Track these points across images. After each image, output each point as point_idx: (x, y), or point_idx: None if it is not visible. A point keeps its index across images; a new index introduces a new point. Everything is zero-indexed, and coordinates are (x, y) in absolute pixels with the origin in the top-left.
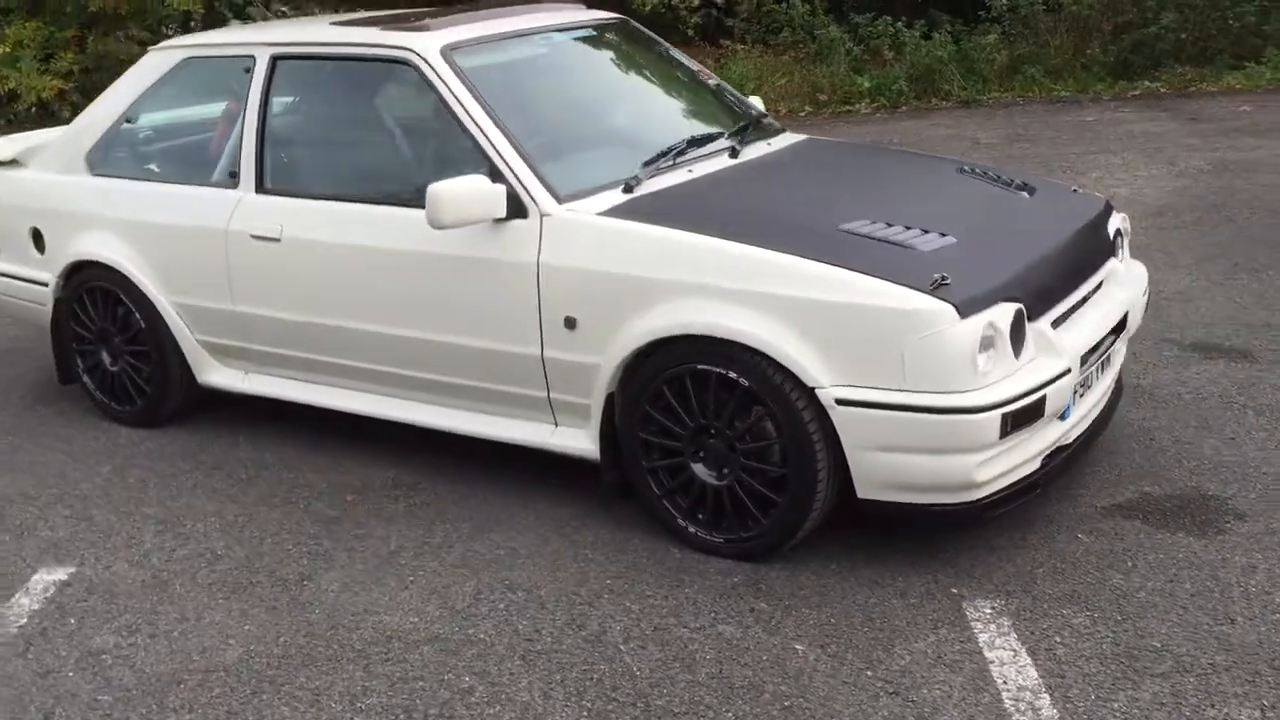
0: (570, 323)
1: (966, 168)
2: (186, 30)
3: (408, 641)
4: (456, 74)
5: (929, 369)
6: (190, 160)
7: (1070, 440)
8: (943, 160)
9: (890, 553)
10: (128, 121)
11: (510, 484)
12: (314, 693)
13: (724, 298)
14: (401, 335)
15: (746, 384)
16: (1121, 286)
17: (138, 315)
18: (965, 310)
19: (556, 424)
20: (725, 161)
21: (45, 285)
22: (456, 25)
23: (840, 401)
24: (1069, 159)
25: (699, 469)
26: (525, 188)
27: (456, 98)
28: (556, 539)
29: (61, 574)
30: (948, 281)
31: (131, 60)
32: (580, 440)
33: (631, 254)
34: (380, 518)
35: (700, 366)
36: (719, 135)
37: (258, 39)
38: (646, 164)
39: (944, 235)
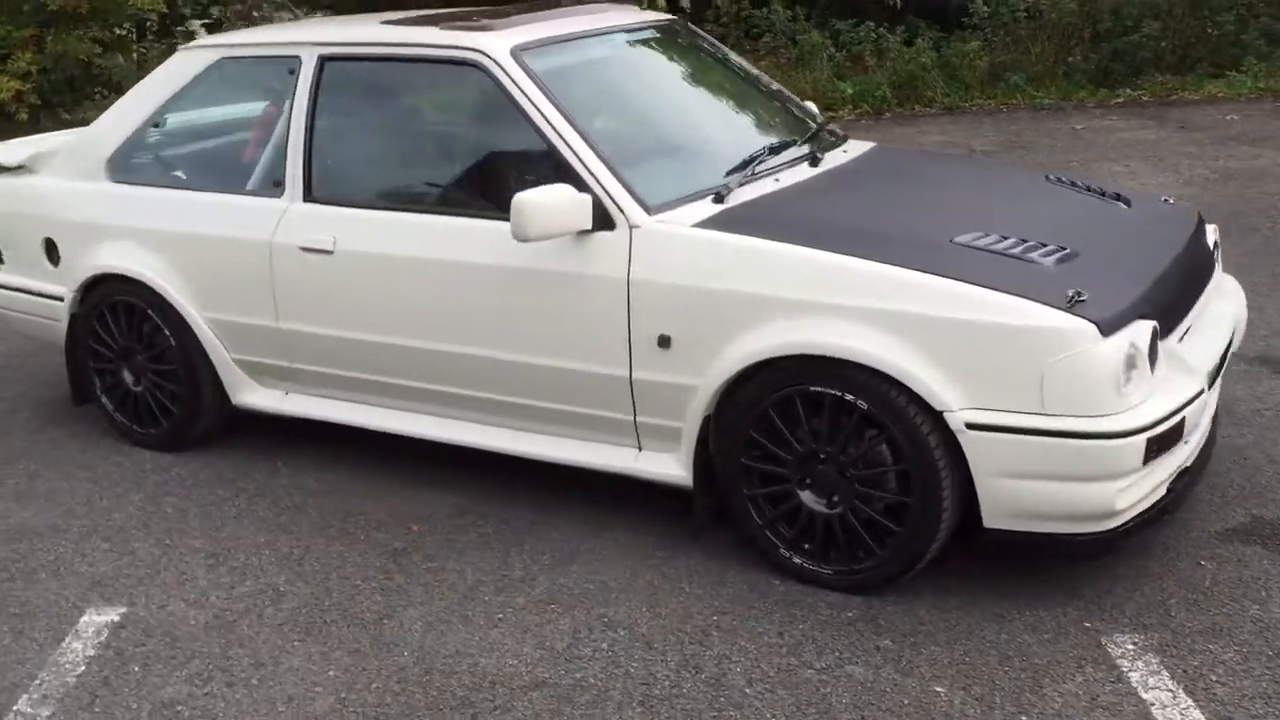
0: (664, 341)
1: (1053, 177)
2: (142, 31)
3: (512, 687)
4: (529, 76)
5: (1069, 391)
6: (222, 167)
7: (1190, 462)
8: (1023, 169)
9: (1009, 583)
10: (155, 126)
11: (583, 511)
12: None
13: (843, 316)
14: (470, 354)
15: (865, 407)
16: (1228, 300)
17: (166, 332)
18: (1107, 329)
19: (640, 448)
20: (808, 170)
21: (59, 300)
22: (522, 25)
23: (971, 425)
24: (1073, 167)
25: (806, 496)
26: (612, 198)
27: (531, 101)
28: (646, 570)
29: (112, 614)
30: (1084, 298)
31: (91, 61)
32: (668, 466)
33: (736, 269)
34: (451, 549)
35: (814, 388)
36: (795, 143)
37: (303, 39)
38: (731, 173)
39: (1063, 249)
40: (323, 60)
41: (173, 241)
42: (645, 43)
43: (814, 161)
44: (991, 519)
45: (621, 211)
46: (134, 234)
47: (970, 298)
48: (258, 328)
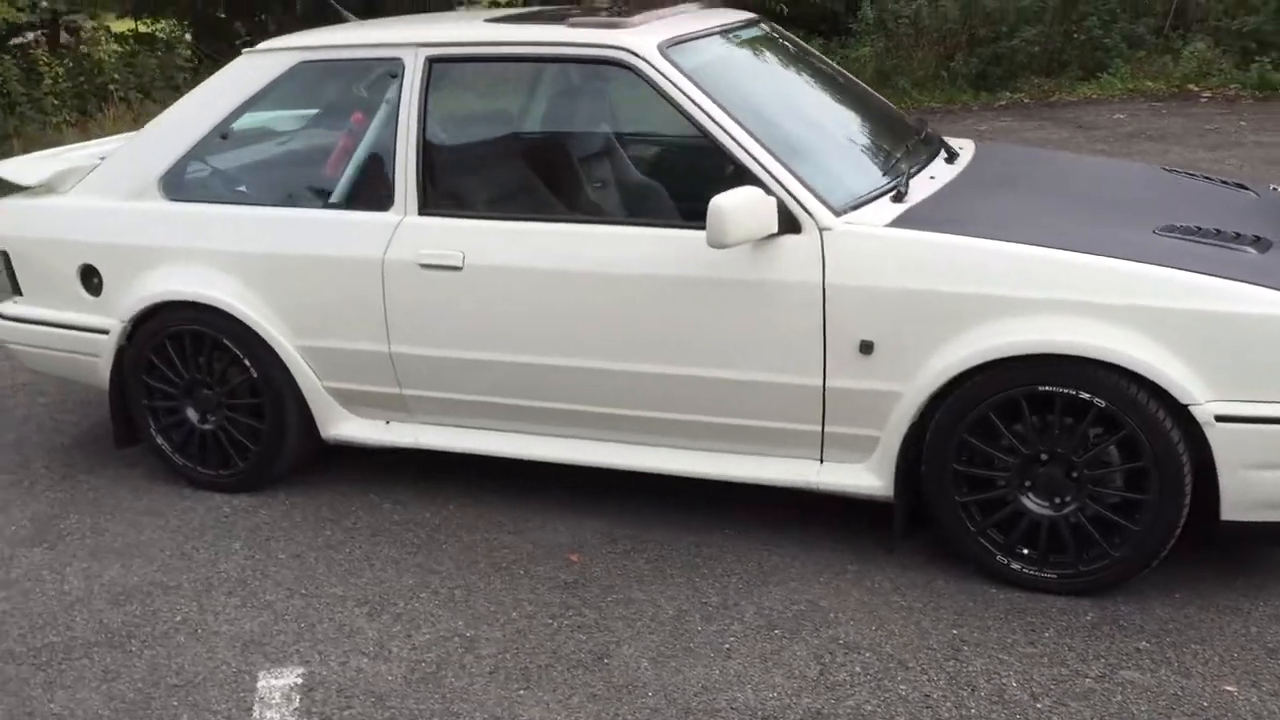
0: (866, 348)
1: (1165, 168)
2: None
3: None
4: (684, 74)
5: None
6: (297, 180)
7: None
8: (1133, 161)
9: (1218, 574)
10: (221, 137)
11: (741, 527)
12: None
13: (1079, 312)
14: (631, 371)
15: (1104, 404)
16: None
17: (247, 362)
18: None
19: (822, 460)
20: (950, 167)
21: (102, 333)
22: (656, 22)
23: (1220, 418)
24: None
25: (1028, 500)
26: (797, 200)
27: (693, 100)
28: (850, 587)
29: (291, 677)
30: None
31: None
32: (859, 477)
33: (951, 269)
34: (627, 578)
35: (1043, 388)
36: (919, 139)
37: (404, 39)
38: (888, 171)
39: (1256, 237)
40: (430, 62)
41: (254, 263)
42: (755, 42)
43: (950, 159)
44: (1233, 511)
45: (809, 214)
46: (204, 257)
47: (1208, 289)
48: (362, 353)
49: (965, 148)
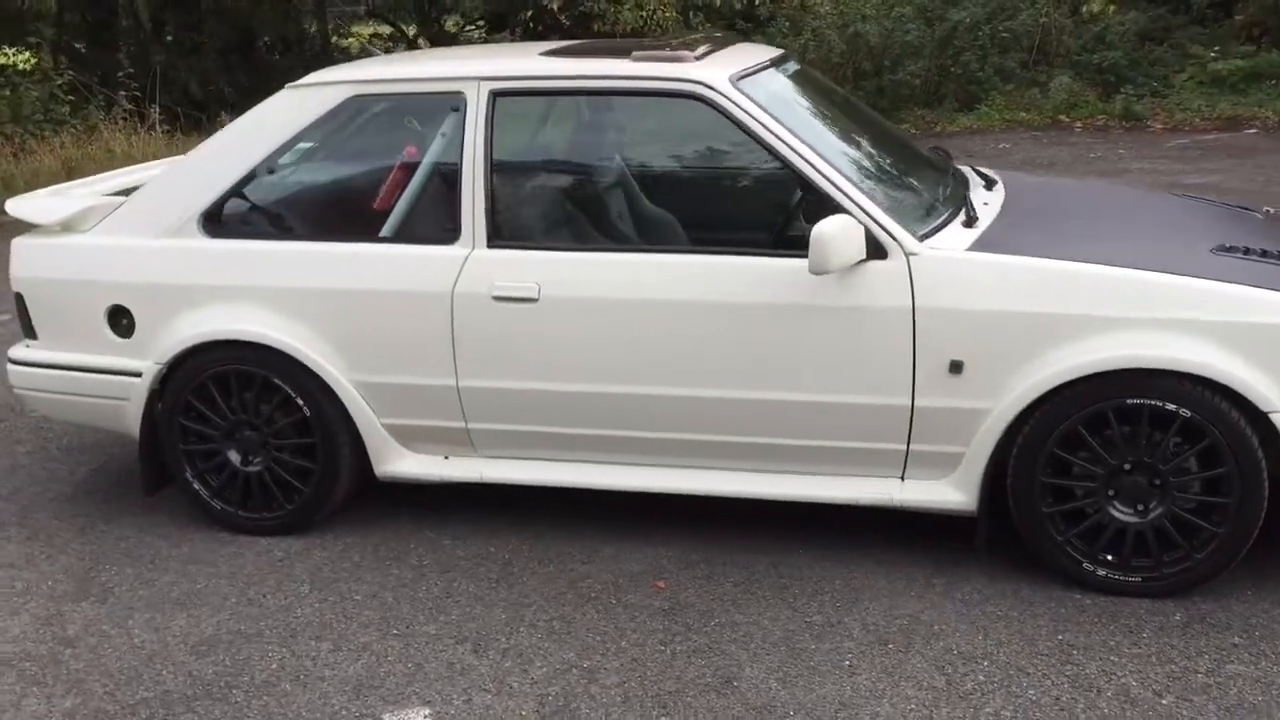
0: (956, 367)
1: (1178, 194)
2: None
3: None
4: (758, 105)
5: None
6: (342, 215)
7: None
8: (1151, 189)
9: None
10: (269, 173)
11: (812, 547)
12: None
13: (1163, 328)
14: (717, 397)
15: (1189, 415)
16: None
17: (300, 401)
18: None
19: (904, 478)
20: (994, 194)
21: (133, 375)
22: (717, 55)
23: None
24: None
25: (1114, 508)
26: (882, 226)
27: (771, 131)
28: (942, 600)
29: (417, 718)
30: None
31: None
32: (942, 493)
33: (1034, 290)
34: (720, 602)
35: (1131, 401)
36: (955, 168)
37: (464, 72)
38: (946, 197)
39: None
40: (494, 95)
41: (308, 299)
42: (795, 76)
43: (989, 185)
44: None
45: (895, 240)
46: (252, 294)
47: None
48: (427, 388)
49: (997, 174)
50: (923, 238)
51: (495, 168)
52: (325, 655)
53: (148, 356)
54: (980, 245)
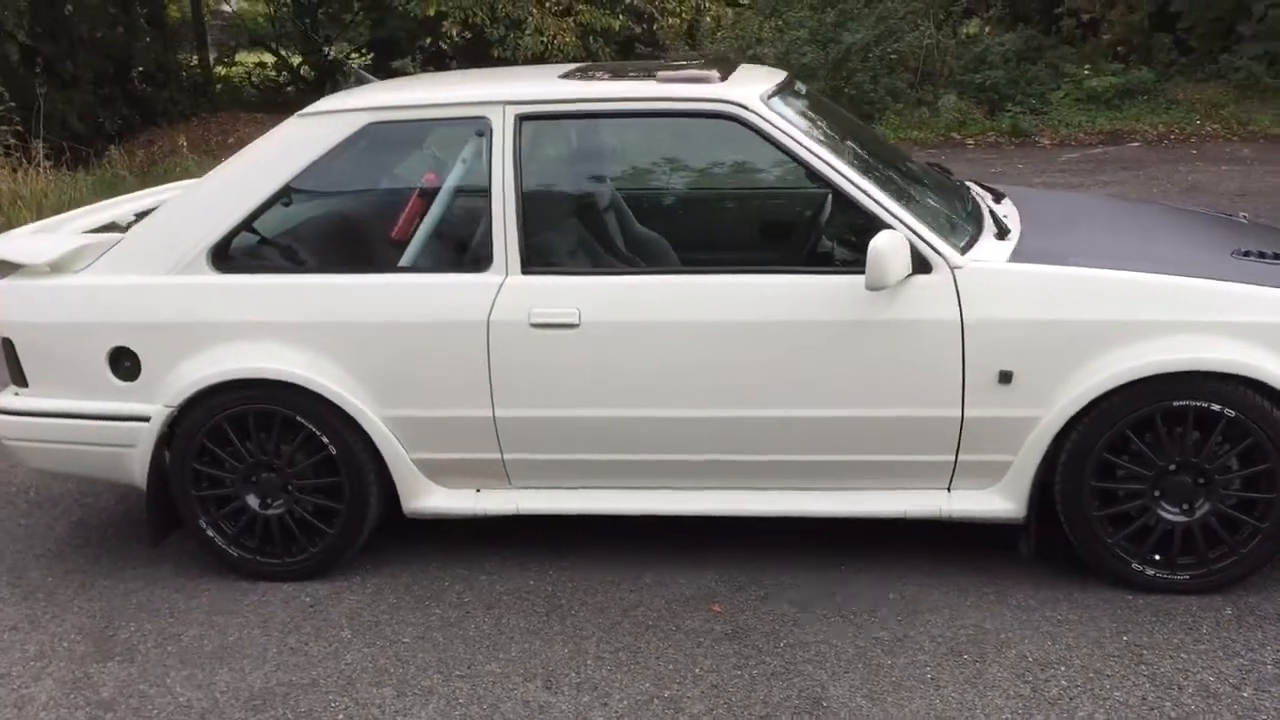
0: (1005, 377)
1: (1167, 204)
2: None
3: None
4: (792, 124)
5: None
6: (361, 246)
7: None
8: (1144, 200)
9: None
10: (283, 205)
11: (855, 563)
12: None
13: (1207, 331)
14: (766, 417)
15: (1233, 415)
16: None
17: (325, 439)
18: None
19: (950, 489)
20: (1007, 207)
21: (140, 420)
22: (739, 75)
23: None
24: None
25: (1162, 509)
26: (926, 241)
27: (810, 150)
28: (999, 608)
29: None
30: None
31: None
32: (990, 502)
33: (1079, 299)
34: (782, 622)
35: (1177, 403)
36: (959, 182)
37: (487, 97)
38: (968, 211)
39: None
40: (520, 119)
41: (331, 334)
42: (805, 97)
43: (998, 199)
44: None
45: (938, 254)
46: (270, 330)
47: None
48: (461, 420)
49: (999, 189)
50: (965, 251)
51: (526, 193)
52: (391, 701)
53: (156, 400)
54: (1018, 257)
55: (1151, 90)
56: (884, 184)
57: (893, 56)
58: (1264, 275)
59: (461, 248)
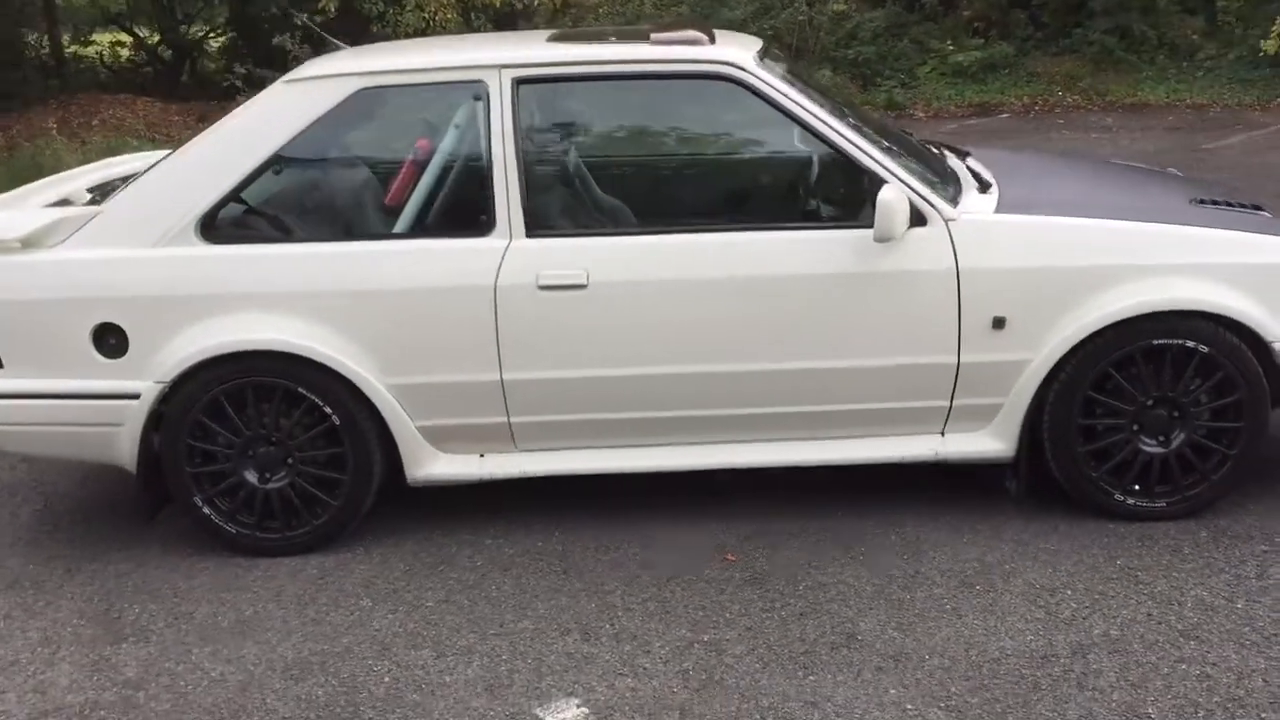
0: (999, 323)
1: (1112, 161)
2: None
3: (1067, 657)
4: (789, 84)
5: None
6: (354, 213)
7: None
8: (1081, 157)
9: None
10: (274, 173)
11: (848, 509)
12: None
13: (1182, 274)
14: (771, 370)
15: (1205, 350)
16: None
17: (328, 409)
18: None
19: (944, 433)
20: (976, 164)
21: (129, 398)
22: (724, 39)
23: None
24: None
25: (1142, 442)
26: (921, 195)
27: (807, 110)
28: (995, 541)
29: (573, 709)
30: None
31: None
32: (980, 443)
33: (1065, 246)
34: (796, 566)
35: (1156, 342)
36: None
37: (483, 60)
38: (943, 167)
39: (1249, 204)
40: (517, 82)
41: (333, 303)
42: (778, 60)
43: (962, 156)
44: None
45: (933, 207)
46: (268, 301)
47: (1269, 245)
48: (468, 384)
49: (961, 148)
50: (952, 204)
51: (526, 156)
52: (433, 662)
53: (146, 376)
54: (1004, 208)
55: (1012, 64)
56: (874, 142)
57: (769, 32)
58: (1226, 220)
59: (460, 213)
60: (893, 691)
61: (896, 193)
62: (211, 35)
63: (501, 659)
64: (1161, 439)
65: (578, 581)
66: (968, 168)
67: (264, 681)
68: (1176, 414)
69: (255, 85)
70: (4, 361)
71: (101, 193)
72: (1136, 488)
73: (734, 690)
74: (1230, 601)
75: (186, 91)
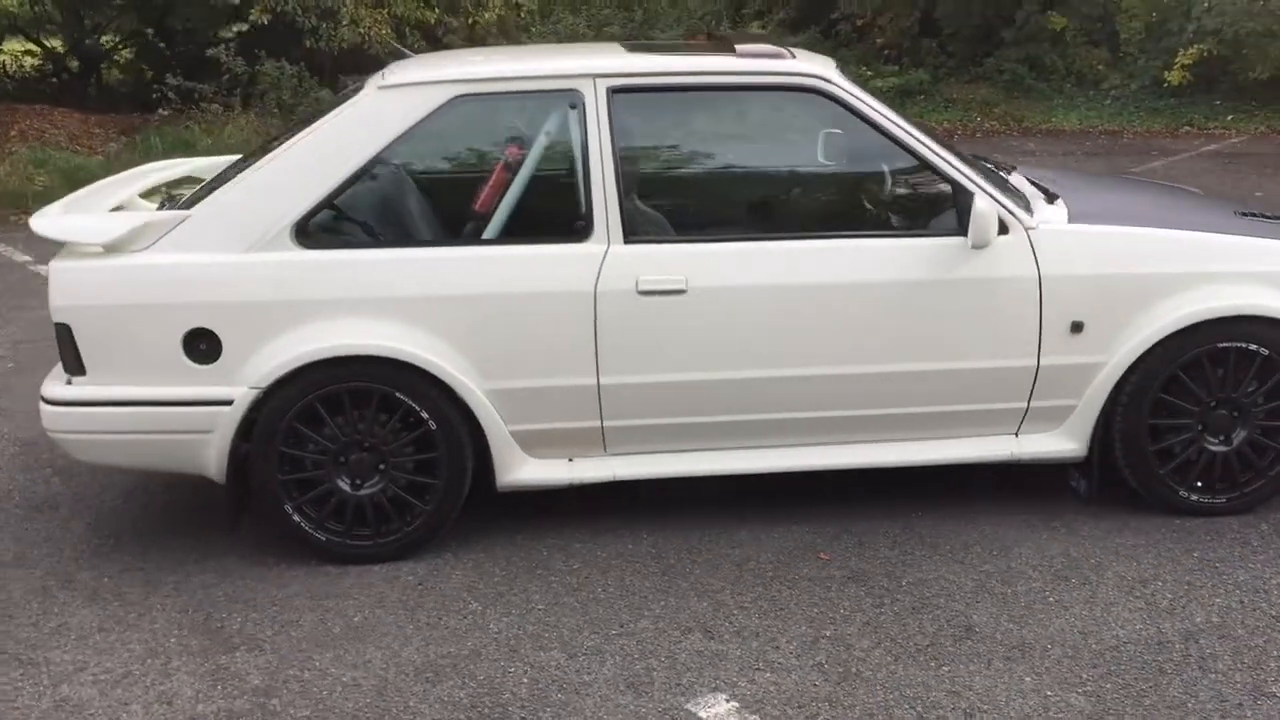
0: (1077, 327)
1: (1142, 179)
2: None
3: (1176, 641)
4: (875, 98)
5: None
6: (445, 218)
7: None
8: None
9: None
10: (371, 179)
11: (924, 509)
12: None
13: (1245, 281)
14: (862, 373)
15: (1267, 353)
16: None
17: (424, 414)
18: None
19: (1018, 434)
20: (1017, 176)
21: (222, 405)
22: (803, 53)
23: None
24: None
25: (1206, 441)
26: (1003, 205)
27: (894, 123)
28: (1073, 539)
29: (723, 704)
30: None
31: None
32: (1057, 443)
33: (1137, 254)
34: (890, 563)
35: (1221, 345)
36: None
37: (578, 69)
38: (1006, 180)
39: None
40: (611, 91)
41: (434, 308)
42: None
43: (1009, 171)
44: None
45: (1014, 217)
46: (367, 307)
47: None
48: (563, 389)
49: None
50: (1034, 213)
51: (622, 164)
52: (565, 663)
53: (240, 382)
54: (1076, 219)
55: (928, 91)
56: (954, 154)
57: None
58: (1273, 231)
59: (555, 219)
60: (1028, 679)
61: (989, 203)
62: (121, 46)
63: (634, 658)
64: (1223, 438)
65: (682, 581)
66: (1029, 180)
67: (399, 685)
68: (1237, 414)
69: (185, 96)
70: (87, 368)
71: (167, 198)
72: (1199, 484)
73: (874, 682)
74: None
75: (95, 103)
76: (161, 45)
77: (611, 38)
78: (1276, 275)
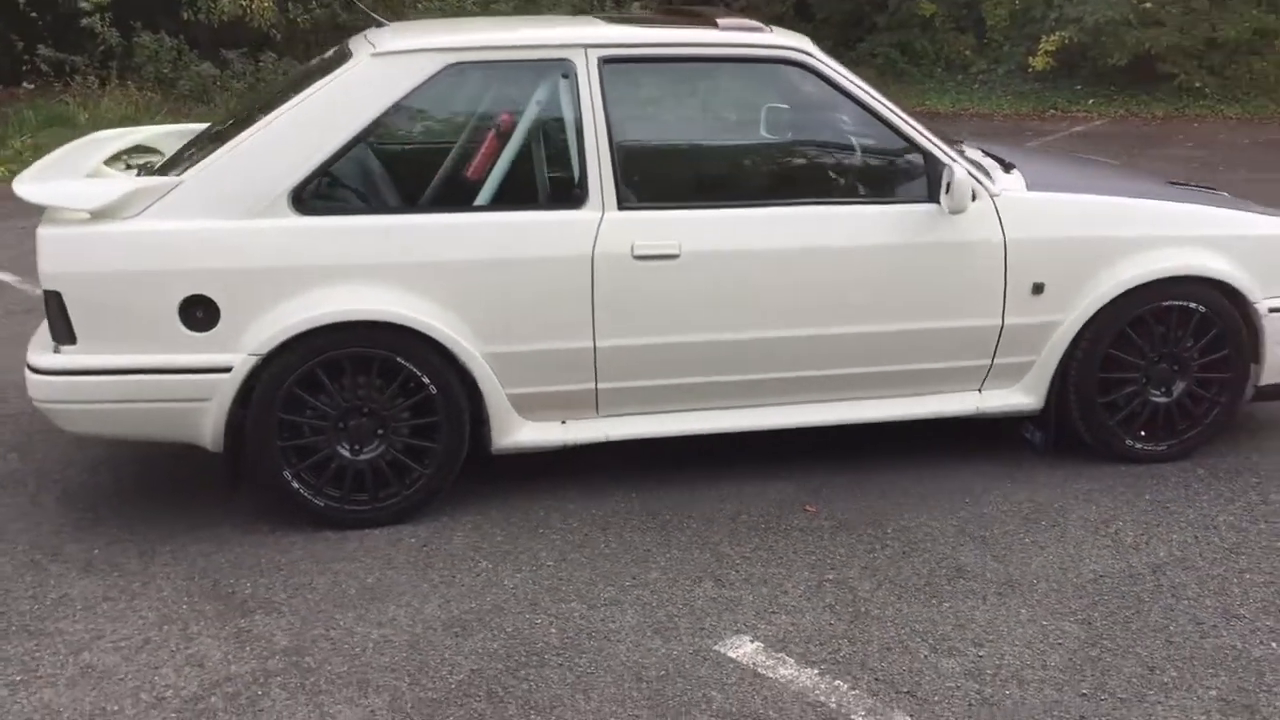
0: (1038, 288)
1: (1074, 154)
2: None
3: (1148, 572)
4: (850, 71)
5: None
6: (439, 185)
7: None
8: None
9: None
10: (366, 145)
11: (891, 466)
12: None
13: (1188, 244)
14: (843, 333)
15: (1203, 310)
16: None
17: (425, 379)
18: None
19: (981, 390)
20: (968, 147)
21: (220, 372)
22: (776, 28)
23: (1272, 310)
24: None
25: (1150, 392)
26: (972, 174)
27: (870, 94)
28: (1032, 487)
29: (748, 644)
30: None
31: None
32: (1013, 398)
33: (1093, 219)
34: (872, 514)
35: (1165, 303)
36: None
37: (570, 39)
38: (964, 149)
39: (1211, 187)
40: (603, 61)
41: (434, 273)
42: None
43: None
44: (1269, 377)
45: (981, 184)
46: (368, 273)
47: (1248, 220)
48: (560, 351)
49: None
50: (998, 182)
51: (615, 132)
52: (588, 613)
53: (239, 349)
54: (1033, 187)
55: None
56: (925, 125)
57: None
58: (1205, 199)
59: (547, 186)
60: (1023, 611)
61: (964, 172)
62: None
63: (653, 606)
64: (1165, 390)
65: (680, 535)
66: (984, 151)
67: (430, 639)
68: (1177, 368)
69: (56, 68)
70: (78, 336)
71: (141, 164)
72: (1143, 434)
73: (885, 619)
74: (1253, 523)
75: None
76: (33, 15)
77: (498, 14)
78: (1214, 238)
